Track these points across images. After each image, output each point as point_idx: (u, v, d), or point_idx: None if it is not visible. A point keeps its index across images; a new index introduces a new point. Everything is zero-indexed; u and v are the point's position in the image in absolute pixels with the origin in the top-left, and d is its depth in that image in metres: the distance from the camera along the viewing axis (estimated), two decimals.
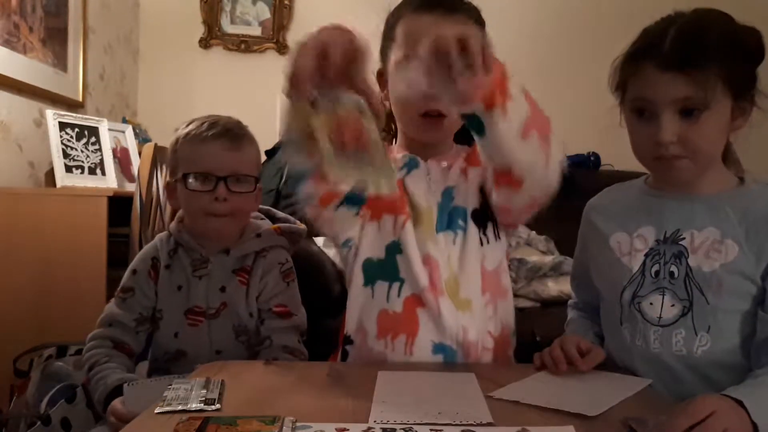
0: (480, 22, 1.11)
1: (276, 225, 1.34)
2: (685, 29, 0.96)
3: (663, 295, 1.01)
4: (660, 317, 1.01)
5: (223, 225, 1.23)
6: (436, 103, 1.04)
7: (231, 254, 1.26)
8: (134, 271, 1.29)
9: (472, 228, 1.10)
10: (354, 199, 1.07)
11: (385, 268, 1.09)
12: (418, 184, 1.11)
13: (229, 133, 1.22)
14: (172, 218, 2.00)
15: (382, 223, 1.10)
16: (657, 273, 1.03)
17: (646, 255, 1.04)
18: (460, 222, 1.10)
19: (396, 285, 1.08)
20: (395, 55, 1.10)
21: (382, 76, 1.16)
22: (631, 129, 1.04)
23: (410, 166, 1.13)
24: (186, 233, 1.27)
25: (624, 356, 1.05)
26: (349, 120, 0.77)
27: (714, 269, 0.98)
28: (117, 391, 1.10)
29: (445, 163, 1.13)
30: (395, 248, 1.08)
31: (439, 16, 1.06)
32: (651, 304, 1.02)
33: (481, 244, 1.10)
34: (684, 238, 1.02)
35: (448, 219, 1.10)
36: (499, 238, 1.13)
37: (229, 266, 1.26)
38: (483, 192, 1.12)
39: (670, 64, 0.94)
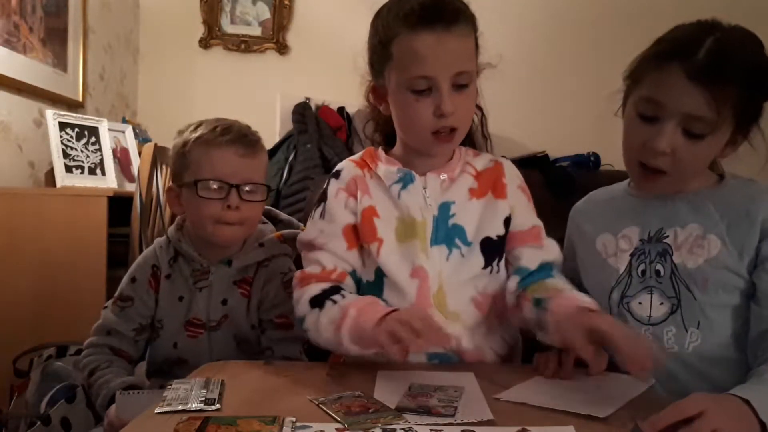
0: (474, 26, 1.06)
1: (279, 233, 1.30)
2: (723, 45, 0.93)
3: (651, 294, 1.02)
4: (650, 316, 1.02)
5: (233, 234, 1.19)
6: (447, 120, 1.02)
7: (233, 265, 1.23)
8: (133, 279, 1.25)
9: (476, 254, 1.07)
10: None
11: (374, 290, 1.09)
12: (413, 198, 1.09)
13: (244, 139, 1.18)
14: (171, 219, 2.00)
15: (366, 252, 1.10)
16: (643, 272, 1.04)
17: (632, 255, 1.05)
18: (458, 241, 1.08)
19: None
20: (396, 76, 1.04)
21: (376, 90, 1.11)
22: (628, 125, 1.03)
23: (405, 181, 1.10)
24: (186, 242, 1.23)
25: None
26: None
27: (698, 265, 0.99)
28: None
29: (444, 176, 1.11)
30: (381, 272, 1.08)
31: (441, 32, 0.99)
32: (640, 303, 1.03)
33: (491, 272, 1.09)
34: (667, 236, 1.03)
35: (445, 234, 1.08)
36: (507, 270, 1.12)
37: (230, 277, 1.23)
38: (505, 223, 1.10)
39: (699, 74, 0.92)
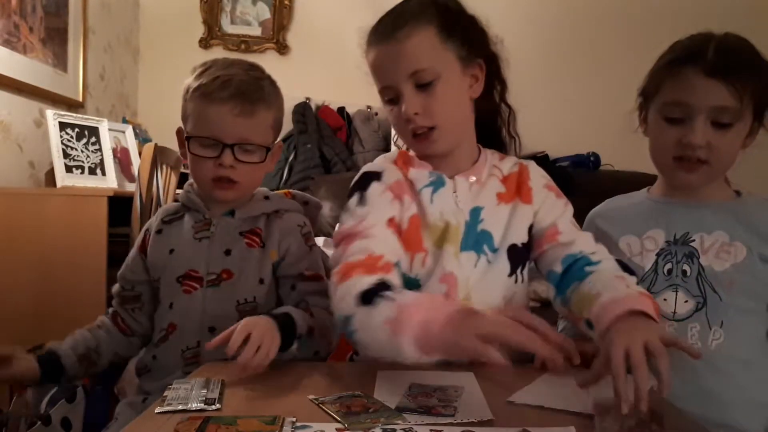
0: (446, 16, 1.03)
1: (286, 190, 1.27)
2: (726, 45, 1.02)
3: (676, 291, 1.06)
4: (674, 312, 1.05)
5: (226, 195, 1.15)
6: (416, 120, 1.03)
7: (237, 216, 1.18)
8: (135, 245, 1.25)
9: (503, 260, 1.06)
10: None
11: None
12: (445, 202, 1.07)
13: (242, 96, 1.11)
14: None
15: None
16: (669, 271, 1.07)
17: (658, 254, 1.09)
18: (486, 248, 1.07)
19: None
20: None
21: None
22: (656, 130, 1.08)
23: (436, 184, 1.08)
24: (194, 193, 1.21)
25: None
26: None
27: (725, 269, 1.03)
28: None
29: (473, 178, 1.09)
30: (412, 284, 1.04)
31: (385, 42, 1.03)
32: (665, 300, 1.06)
33: (515, 281, 1.07)
34: (694, 240, 1.06)
35: (474, 240, 1.06)
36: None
37: (235, 228, 1.17)
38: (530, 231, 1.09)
39: (714, 70, 1.00)
